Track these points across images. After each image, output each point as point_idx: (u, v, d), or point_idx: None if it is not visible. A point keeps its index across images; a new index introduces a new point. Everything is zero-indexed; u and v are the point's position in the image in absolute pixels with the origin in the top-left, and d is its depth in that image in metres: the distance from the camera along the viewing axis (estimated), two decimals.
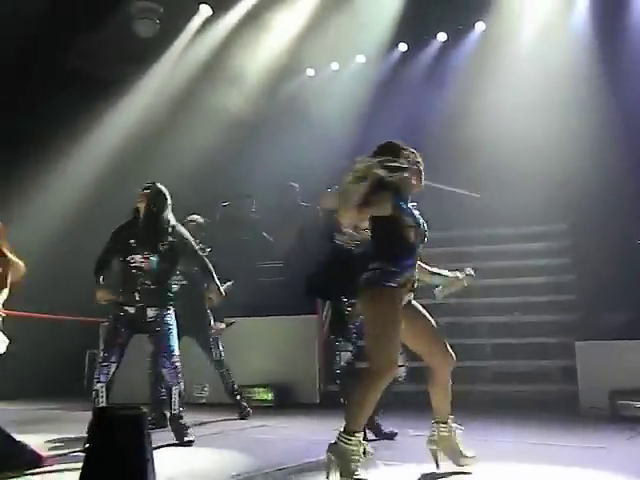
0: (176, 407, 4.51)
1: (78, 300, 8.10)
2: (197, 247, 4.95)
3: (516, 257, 7.85)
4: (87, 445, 2.52)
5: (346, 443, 3.19)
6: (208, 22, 9.77)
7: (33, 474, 3.52)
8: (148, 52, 9.55)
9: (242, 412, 5.97)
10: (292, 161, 8.96)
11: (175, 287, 4.92)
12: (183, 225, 5.05)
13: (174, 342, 4.58)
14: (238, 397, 6.08)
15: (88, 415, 6.50)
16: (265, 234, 8.25)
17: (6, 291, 4.61)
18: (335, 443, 3.22)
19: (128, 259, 4.62)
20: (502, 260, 7.83)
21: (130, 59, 9.54)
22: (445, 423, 3.53)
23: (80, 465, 3.73)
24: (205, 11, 9.71)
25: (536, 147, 8.60)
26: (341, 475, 3.16)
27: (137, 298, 4.56)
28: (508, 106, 9.20)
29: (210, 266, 4.89)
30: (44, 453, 3.75)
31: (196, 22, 9.77)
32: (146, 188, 4.86)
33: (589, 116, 8.15)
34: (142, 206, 4.73)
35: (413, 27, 9.91)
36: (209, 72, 9.81)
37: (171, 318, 4.62)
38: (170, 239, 4.67)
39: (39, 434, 5.03)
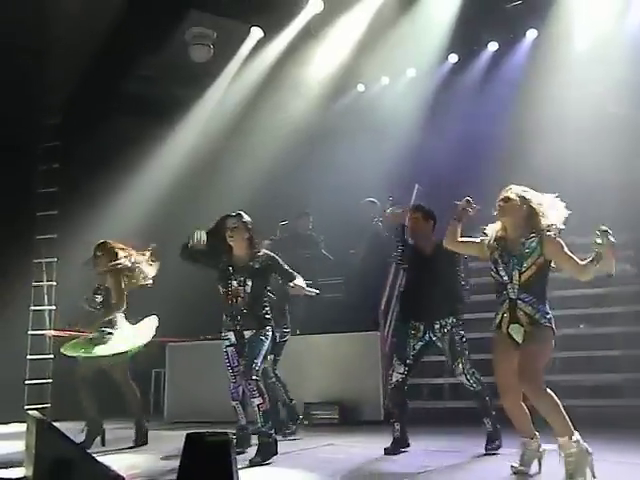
0: (259, 421, 4.63)
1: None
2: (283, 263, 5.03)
3: None
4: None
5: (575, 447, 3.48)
6: (260, 44, 9.95)
7: None
8: (204, 76, 9.78)
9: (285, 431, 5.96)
10: (348, 178, 9.03)
11: (268, 307, 5.00)
12: None
13: (254, 357, 4.72)
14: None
15: (159, 434, 6.76)
16: (324, 251, 8.32)
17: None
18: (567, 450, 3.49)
19: (228, 285, 4.90)
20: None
21: (187, 82, 9.79)
22: None
23: None
24: (257, 34, 9.89)
25: (593, 156, 8.47)
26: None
27: (235, 323, 4.88)
28: (562, 116, 9.10)
29: (295, 274, 5.02)
30: (126, 475, 3.85)
31: (248, 45, 9.97)
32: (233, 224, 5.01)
33: None
34: (233, 242, 4.94)
35: (463, 38, 9.87)
36: (262, 94, 9.99)
37: (261, 336, 4.79)
38: (261, 261, 4.89)
39: (114, 454, 5.16)
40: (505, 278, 3.78)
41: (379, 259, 7.79)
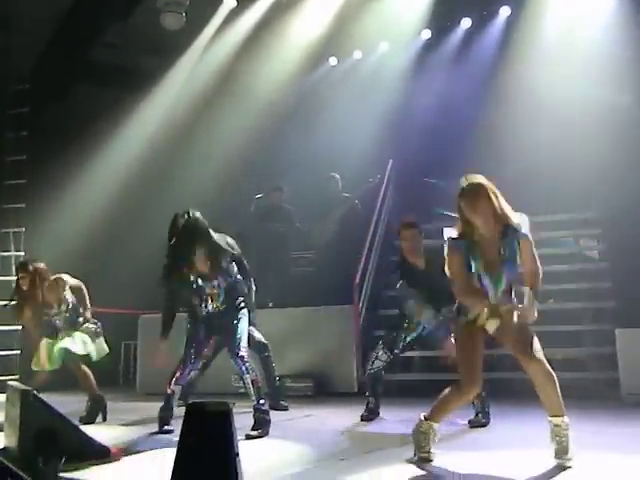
0: (253, 397, 4.59)
1: (114, 292, 8.26)
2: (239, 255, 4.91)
3: (548, 245, 7.84)
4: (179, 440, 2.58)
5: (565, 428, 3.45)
6: (233, 14, 9.79)
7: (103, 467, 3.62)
8: (175, 44, 9.59)
9: (277, 404, 5.91)
10: (322, 151, 9.02)
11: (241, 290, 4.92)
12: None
13: (241, 334, 4.69)
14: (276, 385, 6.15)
15: (131, 405, 6.74)
16: (298, 224, 8.33)
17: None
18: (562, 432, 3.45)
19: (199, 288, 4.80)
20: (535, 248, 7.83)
21: (157, 51, 9.61)
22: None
23: (147, 457, 3.93)
24: (230, 3, 9.72)
25: (563, 134, 8.60)
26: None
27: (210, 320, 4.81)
28: (534, 93, 9.20)
29: (251, 280, 5.03)
30: (111, 446, 3.84)
31: (221, 14, 9.80)
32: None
33: (620, 100, 8.14)
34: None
35: (437, 13, 9.86)
36: (234, 65, 9.86)
37: (239, 311, 4.76)
38: (226, 256, 4.76)
39: (90, 425, 5.13)
40: (488, 286, 3.54)
41: (353, 234, 7.86)
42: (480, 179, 3.56)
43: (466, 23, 10.29)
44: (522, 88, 9.20)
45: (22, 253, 8.28)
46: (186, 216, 4.68)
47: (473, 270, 3.57)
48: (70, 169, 8.37)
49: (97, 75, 9.34)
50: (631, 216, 7.33)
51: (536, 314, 3.46)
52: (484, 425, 4.83)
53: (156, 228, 8.85)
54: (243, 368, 4.58)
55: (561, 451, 3.43)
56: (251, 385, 4.58)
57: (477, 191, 3.49)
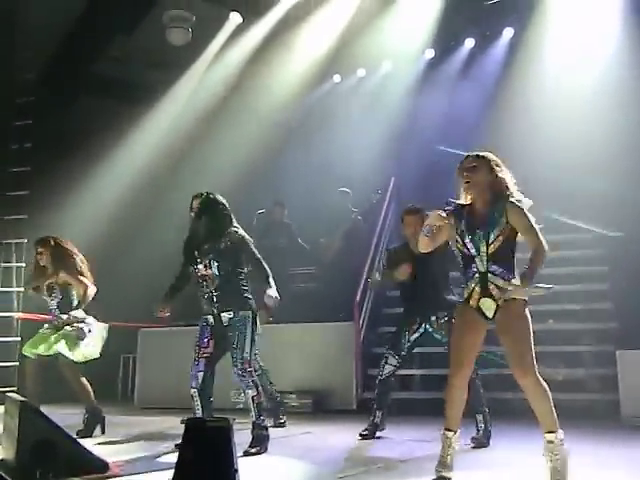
0: (253, 413, 4.53)
1: (114, 304, 8.24)
2: (255, 249, 4.78)
3: (550, 265, 7.82)
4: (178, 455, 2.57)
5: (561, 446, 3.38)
6: (238, 30, 9.87)
7: None
8: (180, 59, 9.66)
9: (277, 420, 5.89)
10: (325, 167, 9.04)
11: (245, 287, 4.74)
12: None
13: (244, 347, 4.56)
14: (277, 401, 6.10)
15: (130, 419, 6.70)
16: (300, 240, 8.34)
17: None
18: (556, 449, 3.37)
19: (195, 270, 4.70)
20: None
21: (162, 65, 9.66)
22: None
23: (146, 471, 3.90)
24: (236, 19, 9.79)
25: (567, 153, 8.62)
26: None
27: (211, 306, 4.65)
28: (538, 113, 9.25)
29: (267, 269, 4.75)
30: (110, 460, 3.82)
31: (227, 30, 9.87)
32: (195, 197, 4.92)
33: (624, 120, 8.18)
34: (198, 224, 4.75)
35: (441, 33, 9.94)
36: (239, 82, 9.92)
37: (243, 322, 4.60)
38: (227, 241, 4.65)
39: (89, 439, 5.10)
40: (473, 251, 3.52)
41: (355, 250, 7.87)
42: (484, 153, 3.60)
43: (469, 43, 10.37)
44: (525, 108, 9.27)
45: (23, 264, 8.28)
46: (202, 196, 4.67)
47: (459, 235, 3.58)
48: (73, 181, 8.39)
49: (101, 88, 9.40)
50: (635, 237, 7.35)
51: (535, 292, 3.43)
52: (485, 446, 4.78)
53: (157, 241, 8.96)
54: (246, 383, 4.52)
55: (555, 473, 3.35)
56: (252, 401, 4.52)
57: (472, 171, 3.53)
